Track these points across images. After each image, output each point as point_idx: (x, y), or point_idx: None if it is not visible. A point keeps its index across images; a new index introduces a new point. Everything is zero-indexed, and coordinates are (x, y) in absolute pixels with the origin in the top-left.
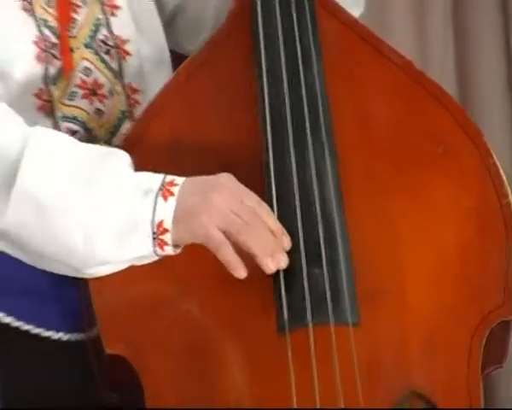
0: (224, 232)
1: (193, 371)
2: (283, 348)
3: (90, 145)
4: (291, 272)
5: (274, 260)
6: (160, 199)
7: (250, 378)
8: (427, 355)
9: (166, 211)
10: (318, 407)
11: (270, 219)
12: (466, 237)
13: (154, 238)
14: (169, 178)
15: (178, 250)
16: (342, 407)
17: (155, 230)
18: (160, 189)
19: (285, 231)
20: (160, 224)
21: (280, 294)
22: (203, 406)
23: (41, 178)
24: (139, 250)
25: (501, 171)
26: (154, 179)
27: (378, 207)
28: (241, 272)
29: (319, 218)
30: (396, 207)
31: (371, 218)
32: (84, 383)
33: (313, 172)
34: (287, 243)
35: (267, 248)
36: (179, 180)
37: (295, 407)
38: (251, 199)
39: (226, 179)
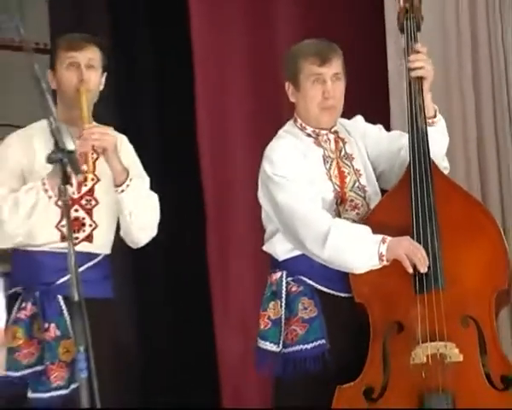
0: (406, 255)
1: (386, 305)
2: (415, 300)
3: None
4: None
5: (424, 268)
6: (381, 243)
7: (404, 311)
8: (474, 300)
9: (384, 248)
10: (427, 326)
11: (423, 252)
12: (491, 256)
13: (379, 258)
14: (385, 236)
15: (388, 263)
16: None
17: (379, 255)
18: (382, 239)
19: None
20: (381, 253)
21: (415, 279)
22: (389, 317)
23: (342, 234)
24: (373, 262)
25: (503, 235)
26: (379, 236)
27: (455, 244)
28: (410, 270)
29: (430, 249)
30: (461, 244)
31: (451, 247)
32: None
33: (429, 233)
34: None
35: (423, 263)
36: (389, 237)
37: (419, 325)
38: (416, 243)
39: (407, 237)
